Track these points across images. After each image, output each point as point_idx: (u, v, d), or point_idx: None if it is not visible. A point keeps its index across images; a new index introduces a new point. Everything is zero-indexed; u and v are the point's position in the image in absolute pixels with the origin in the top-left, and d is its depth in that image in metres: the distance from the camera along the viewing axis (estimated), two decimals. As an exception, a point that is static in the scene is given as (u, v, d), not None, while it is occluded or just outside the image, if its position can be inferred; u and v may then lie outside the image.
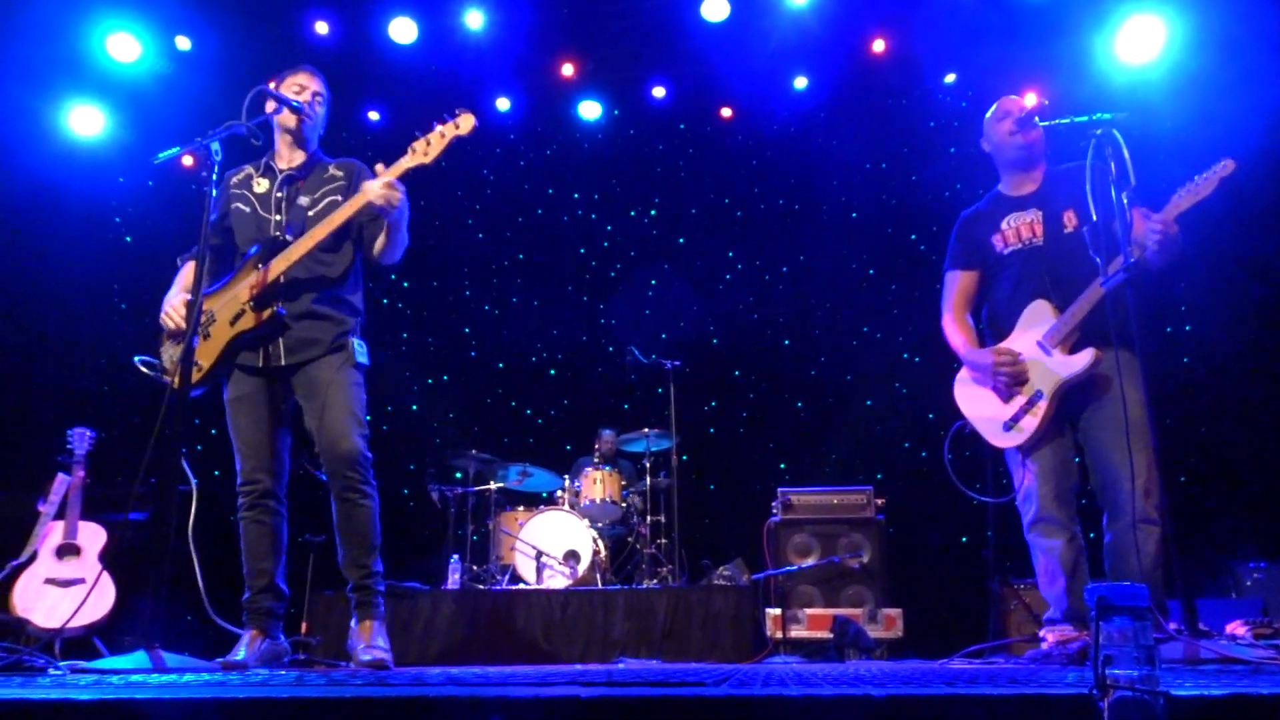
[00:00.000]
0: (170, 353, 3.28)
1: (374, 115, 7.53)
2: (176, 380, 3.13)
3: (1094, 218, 3.00)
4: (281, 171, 3.44)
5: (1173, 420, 6.27)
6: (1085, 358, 3.14)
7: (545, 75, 7.41)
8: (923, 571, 6.47)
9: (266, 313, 3.18)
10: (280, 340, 3.22)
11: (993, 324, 3.50)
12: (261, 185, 3.44)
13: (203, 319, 3.25)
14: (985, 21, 6.53)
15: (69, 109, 6.69)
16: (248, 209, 3.40)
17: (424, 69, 7.13)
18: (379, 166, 3.25)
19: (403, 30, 6.84)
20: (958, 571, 6.40)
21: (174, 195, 6.78)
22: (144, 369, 3.21)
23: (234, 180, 3.49)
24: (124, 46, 6.56)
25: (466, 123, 3.25)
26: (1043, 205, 3.39)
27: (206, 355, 3.23)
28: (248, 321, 3.19)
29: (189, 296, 3.25)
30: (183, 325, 3.23)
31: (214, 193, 3.04)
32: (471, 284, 8.18)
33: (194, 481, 3.15)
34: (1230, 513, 5.94)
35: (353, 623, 3.17)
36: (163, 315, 3.30)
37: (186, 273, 3.43)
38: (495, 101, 7.51)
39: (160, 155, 3.17)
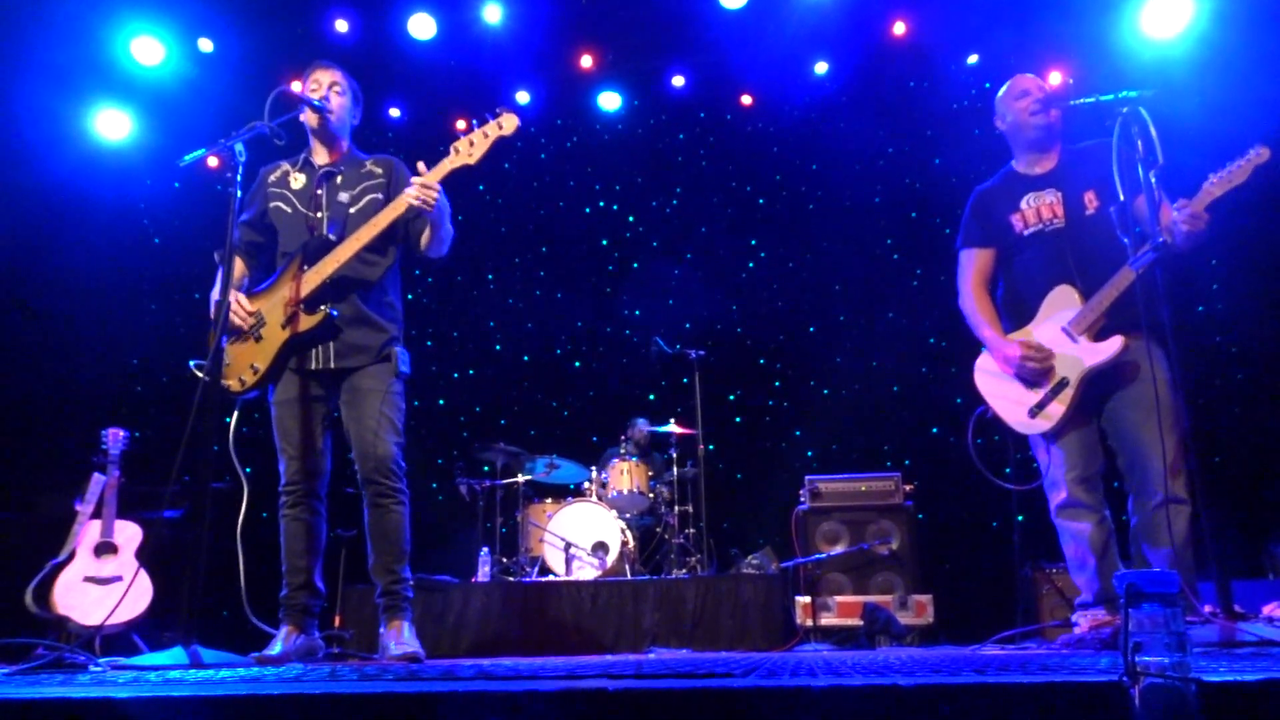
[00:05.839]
0: (226, 353, 3.29)
1: (395, 112, 7.58)
2: (234, 382, 3.18)
3: (1121, 197, 2.96)
4: (319, 167, 3.46)
5: (1206, 400, 6.19)
6: (1113, 345, 3.10)
7: (564, 67, 7.42)
8: (953, 557, 6.43)
9: (318, 315, 3.20)
10: (331, 344, 3.25)
11: (1011, 305, 3.45)
12: (299, 181, 3.46)
13: (252, 321, 3.28)
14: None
15: (95, 113, 6.78)
16: (288, 208, 3.42)
17: (444, 64, 7.17)
18: (420, 166, 3.25)
19: (422, 26, 6.88)
20: (988, 556, 6.35)
21: (200, 196, 6.84)
22: (199, 373, 3.24)
23: (271, 178, 3.51)
24: (148, 50, 6.63)
25: (510, 123, 3.27)
26: (1061, 185, 3.35)
27: (261, 358, 3.25)
28: (300, 324, 3.21)
29: (238, 293, 3.29)
30: (248, 321, 3.27)
31: (239, 193, 3.05)
32: (495, 277, 8.21)
33: (245, 479, 3.18)
34: (1266, 493, 5.85)
35: (381, 625, 3.22)
36: (214, 312, 3.33)
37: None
38: (515, 95, 7.53)
39: (185, 157, 3.18)
